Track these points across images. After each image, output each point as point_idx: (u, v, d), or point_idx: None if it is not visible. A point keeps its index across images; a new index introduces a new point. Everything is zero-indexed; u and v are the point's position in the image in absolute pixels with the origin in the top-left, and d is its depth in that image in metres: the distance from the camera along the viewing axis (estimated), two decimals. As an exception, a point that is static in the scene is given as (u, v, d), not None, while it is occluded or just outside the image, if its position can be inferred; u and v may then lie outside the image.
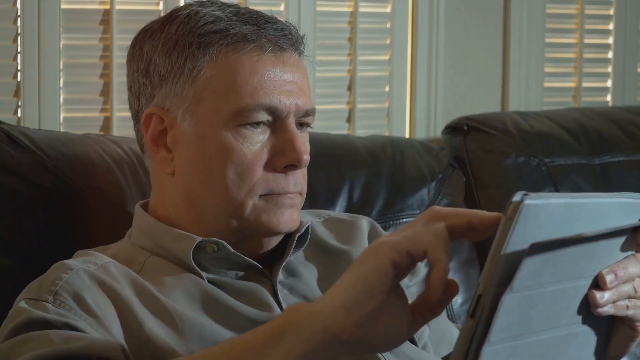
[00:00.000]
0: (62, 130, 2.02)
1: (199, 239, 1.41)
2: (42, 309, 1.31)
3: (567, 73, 2.70)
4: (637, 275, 1.09)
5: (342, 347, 1.03)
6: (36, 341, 1.26)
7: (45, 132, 1.77)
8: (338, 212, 1.88)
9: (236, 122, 1.40)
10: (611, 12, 2.73)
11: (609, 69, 2.74)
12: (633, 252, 1.09)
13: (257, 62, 1.42)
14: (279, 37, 1.43)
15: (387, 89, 2.42)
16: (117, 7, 2.07)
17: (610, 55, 2.74)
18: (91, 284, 1.35)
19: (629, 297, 1.09)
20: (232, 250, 1.41)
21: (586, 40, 2.70)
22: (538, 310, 1.00)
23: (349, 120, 2.39)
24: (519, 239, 0.96)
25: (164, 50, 1.44)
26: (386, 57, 2.42)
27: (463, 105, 2.50)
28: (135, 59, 1.48)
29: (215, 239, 1.41)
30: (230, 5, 1.47)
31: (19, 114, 2.00)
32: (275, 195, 1.42)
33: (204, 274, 1.41)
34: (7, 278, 1.58)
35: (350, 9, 2.37)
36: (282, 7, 2.26)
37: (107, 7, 2.07)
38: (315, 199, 1.89)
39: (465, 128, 2.25)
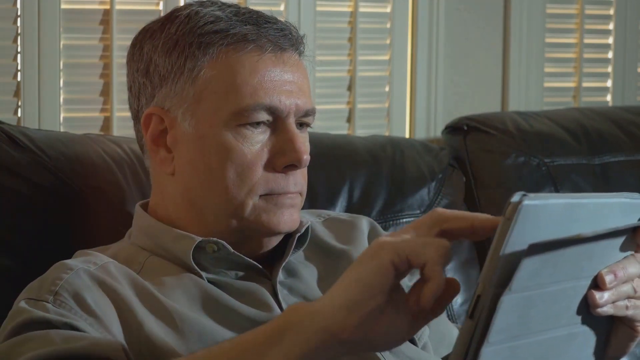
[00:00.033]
0: (62, 130, 2.02)
1: (199, 239, 1.41)
2: (43, 309, 1.31)
3: (567, 73, 2.70)
4: (637, 275, 1.09)
5: (343, 347, 1.03)
6: (37, 341, 1.26)
7: (45, 132, 1.77)
8: (338, 212, 1.88)
9: (236, 122, 1.40)
10: (611, 12, 2.73)
11: (609, 69, 2.74)
12: (632, 252, 1.09)
13: (257, 62, 1.42)
14: (279, 37, 1.43)
15: (387, 89, 2.42)
16: (117, 7, 2.07)
17: (610, 55, 2.74)
18: (91, 284, 1.35)
19: (629, 297, 1.09)
20: (232, 250, 1.41)
21: (586, 40, 2.70)
22: (537, 310, 1.00)
23: (349, 120, 2.39)
24: (517, 240, 0.96)
25: (164, 50, 1.44)
26: (386, 57, 2.42)
27: (463, 105, 2.50)
28: (135, 59, 1.48)
29: (215, 239, 1.41)
30: (230, 5, 1.47)
31: (19, 114, 2.01)
32: (275, 195, 1.42)
33: (203, 274, 1.41)
34: (7, 278, 1.58)
35: (350, 9, 2.37)
36: (282, 7, 2.26)
37: (107, 7, 2.07)
38: (315, 199, 1.89)
39: (465, 128, 2.25)
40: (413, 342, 1.49)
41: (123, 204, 1.68)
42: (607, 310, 1.07)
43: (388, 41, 2.42)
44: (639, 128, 2.36)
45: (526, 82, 2.60)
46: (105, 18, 2.07)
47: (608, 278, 1.05)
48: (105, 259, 1.41)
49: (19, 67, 2.00)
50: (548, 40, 2.65)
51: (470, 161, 2.21)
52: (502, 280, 0.96)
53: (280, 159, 1.42)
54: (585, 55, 2.70)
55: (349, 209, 1.95)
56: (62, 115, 2.04)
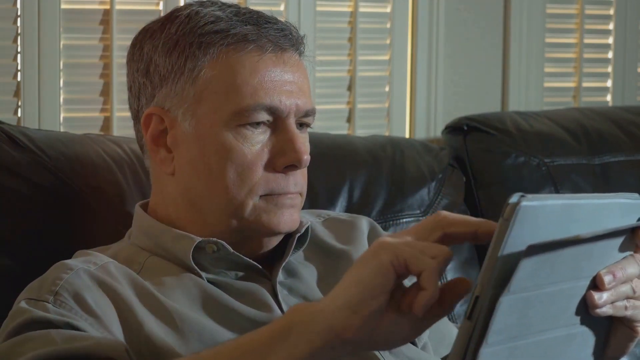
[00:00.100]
0: (62, 130, 2.02)
1: (199, 239, 1.41)
2: (43, 309, 1.31)
3: (567, 73, 2.70)
4: (636, 275, 1.09)
5: (346, 347, 1.03)
6: (38, 341, 1.26)
7: (45, 132, 1.77)
8: (338, 212, 1.88)
9: (236, 122, 1.40)
10: (611, 12, 2.73)
11: (609, 69, 2.74)
12: (631, 253, 1.09)
13: (257, 62, 1.42)
14: (280, 37, 1.43)
15: (387, 89, 2.42)
16: (117, 7, 2.07)
17: (610, 55, 2.74)
18: (91, 283, 1.35)
19: (628, 298, 1.09)
20: (232, 250, 1.41)
21: (586, 40, 2.70)
22: (536, 311, 1.00)
23: (349, 120, 2.39)
24: (516, 241, 0.96)
25: (164, 50, 1.44)
26: (386, 57, 2.42)
27: (463, 105, 2.50)
28: (135, 59, 1.48)
29: (214, 239, 1.41)
30: (230, 5, 1.47)
31: (19, 114, 2.01)
32: (275, 196, 1.42)
33: (203, 274, 1.41)
34: (7, 278, 1.58)
35: (350, 9, 2.37)
36: (282, 7, 2.26)
37: (107, 7, 2.07)
38: (315, 199, 1.89)
39: (465, 128, 2.25)
40: (413, 342, 1.49)
41: (123, 204, 1.68)
42: (606, 310, 1.07)
43: (388, 41, 2.42)
44: (639, 128, 2.36)
45: (526, 82, 2.60)
46: (105, 18, 2.07)
47: (607, 278, 1.05)
48: (105, 259, 1.41)
49: (19, 67, 2.00)
50: (548, 40, 2.65)
51: (470, 161, 2.21)
52: (501, 281, 0.96)
53: (281, 159, 1.42)
54: (585, 55, 2.70)
55: (349, 209, 1.95)
56: (62, 115, 2.04)
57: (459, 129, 2.26)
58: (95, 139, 1.77)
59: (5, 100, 2.00)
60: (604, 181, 2.25)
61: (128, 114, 1.53)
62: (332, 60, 2.35)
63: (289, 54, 1.45)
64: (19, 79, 2.00)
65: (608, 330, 1.12)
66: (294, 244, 1.47)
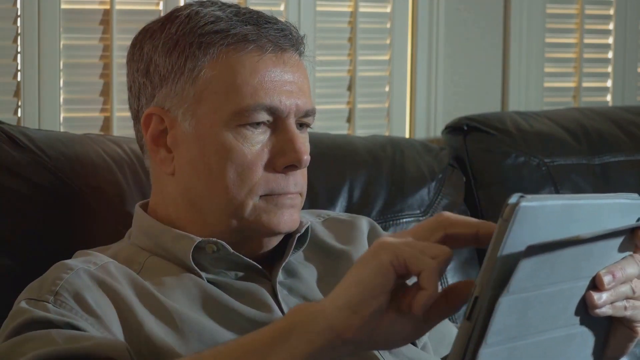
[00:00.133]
0: (62, 130, 2.02)
1: (198, 239, 1.41)
2: (43, 309, 1.31)
3: (567, 73, 2.70)
4: (635, 276, 1.09)
5: (347, 347, 1.03)
6: (38, 340, 1.26)
7: (45, 132, 1.77)
8: (338, 212, 1.88)
9: (236, 122, 1.40)
10: (611, 12, 2.73)
11: (609, 69, 2.74)
12: (631, 253, 1.09)
13: (257, 62, 1.42)
14: (280, 37, 1.43)
15: (387, 89, 2.43)
16: (117, 7, 2.07)
17: (610, 55, 2.74)
18: (91, 283, 1.35)
19: (627, 298, 1.09)
20: (232, 250, 1.41)
21: (586, 40, 2.70)
22: (535, 311, 1.00)
23: (349, 120, 2.39)
24: (515, 241, 0.96)
25: (164, 50, 1.44)
26: (386, 57, 2.42)
27: (463, 105, 2.51)
28: (135, 59, 1.48)
29: (214, 239, 1.41)
30: (230, 6, 1.47)
31: (19, 114, 2.01)
32: (275, 196, 1.42)
33: (203, 274, 1.41)
34: (7, 278, 1.58)
35: (350, 9, 2.37)
36: (282, 7, 2.26)
37: (107, 7, 2.07)
38: (315, 199, 1.89)
39: (465, 128, 2.25)
40: (413, 342, 1.49)
41: (123, 204, 1.68)
42: (605, 311, 1.07)
43: (388, 41, 2.42)
44: (639, 128, 2.36)
45: (526, 82, 2.60)
46: (105, 18, 2.07)
47: (606, 279, 1.05)
48: (105, 259, 1.41)
49: (19, 67, 2.00)
50: (548, 40, 2.65)
51: (470, 161, 2.21)
52: (500, 282, 0.96)
53: (281, 159, 1.42)
54: (585, 55, 2.70)
55: (349, 209, 1.95)
56: (62, 115, 2.04)
57: (459, 129, 2.26)
58: (95, 139, 1.77)
59: (5, 100, 2.00)
60: (604, 181, 2.25)
61: (128, 114, 1.53)
62: (332, 60, 2.35)
63: (289, 54, 1.45)
64: (19, 79, 2.00)
65: (607, 331, 1.12)
66: (294, 244, 1.47)
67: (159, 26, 1.47)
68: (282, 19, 1.49)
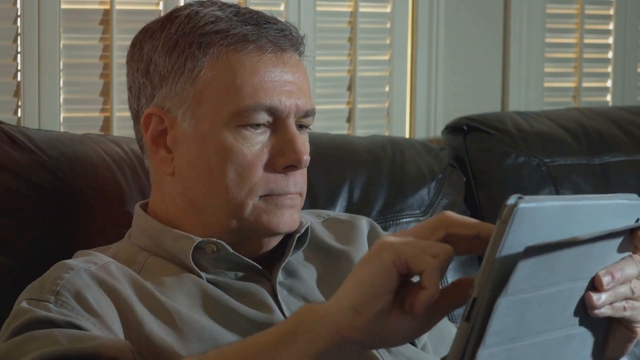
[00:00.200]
0: (62, 130, 2.02)
1: (198, 239, 1.41)
2: (44, 309, 1.31)
3: (567, 73, 2.70)
4: (634, 276, 1.09)
5: (354, 347, 1.04)
6: (41, 340, 1.26)
7: (45, 132, 1.77)
8: (338, 212, 1.88)
9: (236, 122, 1.40)
10: (611, 12, 2.73)
11: (609, 69, 2.74)
12: (630, 254, 1.09)
13: (257, 62, 1.42)
14: (280, 37, 1.43)
15: (387, 89, 2.43)
16: (117, 7, 2.07)
17: (610, 55, 2.74)
18: (92, 283, 1.35)
19: (626, 299, 1.09)
20: (232, 250, 1.41)
21: (586, 40, 2.70)
22: (534, 312, 1.00)
23: (349, 120, 2.39)
24: (513, 242, 0.96)
25: (164, 50, 1.44)
26: (386, 57, 2.42)
27: (463, 105, 2.51)
28: (135, 59, 1.48)
29: (214, 239, 1.41)
30: (230, 6, 1.47)
31: (19, 114, 2.01)
32: (275, 196, 1.42)
33: (203, 274, 1.41)
34: (7, 278, 1.58)
35: (350, 9, 2.37)
36: (282, 7, 2.26)
37: (107, 7, 2.07)
38: (315, 199, 1.89)
39: (465, 128, 2.25)
40: (412, 342, 1.49)
41: (123, 204, 1.68)
42: (604, 311, 1.07)
43: (388, 41, 2.42)
44: (639, 128, 2.36)
45: (526, 82, 2.60)
46: (105, 18, 2.07)
47: (605, 279, 1.05)
48: (105, 259, 1.41)
49: (19, 67, 2.00)
50: (548, 40, 2.65)
51: (470, 161, 2.21)
52: (498, 283, 0.96)
53: (280, 160, 1.42)
54: (585, 55, 2.70)
55: (349, 209, 1.95)
56: (62, 115, 2.04)
57: (459, 129, 2.26)
58: (95, 139, 1.77)
59: (5, 100, 2.00)
60: (604, 181, 2.25)
61: (128, 114, 1.53)
62: (332, 60, 2.35)
63: (289, 54, 1.45)
64: (19, 79, 2.00)
65: (607, 331, 1.12)
66: (294, 244, 1.47)
67: (159, 26, 1.47)
68: (282, 19, 1.49)
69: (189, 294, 1.38)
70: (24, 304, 1.33)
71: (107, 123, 2.08)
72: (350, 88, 2.38)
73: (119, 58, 2.05)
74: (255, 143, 1.41)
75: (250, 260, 1.42)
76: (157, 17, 1.51)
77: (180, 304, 1.36)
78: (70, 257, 1.45)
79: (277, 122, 1.42)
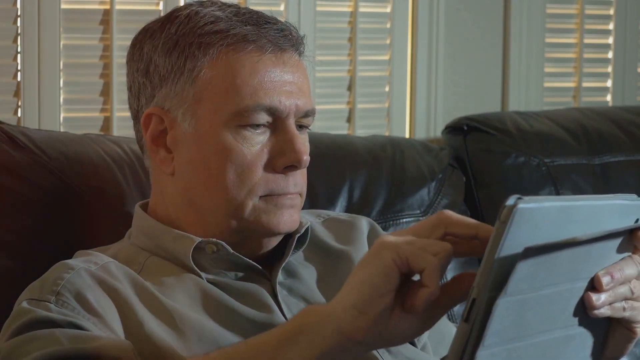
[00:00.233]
0: (62, 130, 2.02)
1: (198, 239, 1.41)
2: (45, 309, 1.31)
3: (567, 73, 2.70)
4: (634, 276, 1.09)
5: (358, 347, 1.04)
6: (42, 340, 1.26)
7: (45, 132, 1.77)
8: (338, 212, 1.88)
9: (236, 122, 1.40)
10: (611, 12, 2.73)
11: (609, 69, 2.74)
12: (630, 254, 1.09)
13: (257, 62, 1.42)
14: (279, 37, 1.43)
15: (387, 89, 2.43)
16: (117, 7, 2.07)
17: (610, 55, 2.74)
18: (92, 283, 1.35)
19: (626, 299, 1.09)
20: (232, 250, 1.41)
21: (586, 40, 2.70)
22: (533, 313, 1.01)
23: (349, 120, 2.39)
24: (513, 243, 0.96)
25: (164, 50, 1.44)
26: (386, 57, 2.42)
27: (463, 105, 2.51)
28: (135, 59, 1.48)
29: (214, 239, 1.41)
30: (230, 6, 1.47)
31: (19, 114, 2.01)
32: (275, 196, 1.42)
33: (203, 274, 1.41)
34: (7, 278, 1.58)
35: (350, 9, 2.37)
36: (282, 7, 2.26)
37: (107, 7, 2.07)
38: (315, 199, 1.89)
39: (465, 128, 2.25)
40: (412, 342, 1.49)
41: (123, 204, 1.68)
42: (604, 312, 1.07)
43: (388, 41, 2.42)
44: (639, 128, 2.36)
45: (526, 82, 2.60)
46: (105, 18, 2.07)
47: (605, 280, 1.06)
48: (105, 259, 1.41)
49: (19, 67, 2.00)
50: (548, 40, 2.65)
51: (470, 161, 2.21)
52: (498, 284, 0.96)
53: (280, 160, 1.41)
54: (585, 55, 2.70)
55: (349, 209, 1.95)
56: (62, 115, 2.04)
57: (459, 129, 2.26)
58: (95, 139, 1.77)
59: (5, 100, 2.00)
60: (604, 181, 2.25)
61: (128, 114, 1.53)
62: (332, 60, 2.36)
63: (289, 54, 1.45)
64: (19, 79, 2.01)
65: (606, 331, 1.13)
66: (294, 244, 1.47)
67: (159, 26, 1.47)
68: (282, 19, 1.49)
69: (189, 294, 1.38)
70: (25, 304, 1.33)
71: (107, 123, 2.09)
72: (350, 88, 2.38)
73: (119, 58, 2.05)
74: (255, 143, 1.41)
75: (250, 261, 1.42)
76: (157, 17, 1.51)
77: (180, 304, 1.36)
78: (70, 257, 1.45)
79: (277, 122, 1.42)
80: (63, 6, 2.03)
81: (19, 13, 1.99)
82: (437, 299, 1.02)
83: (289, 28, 1.46)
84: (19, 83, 2.00)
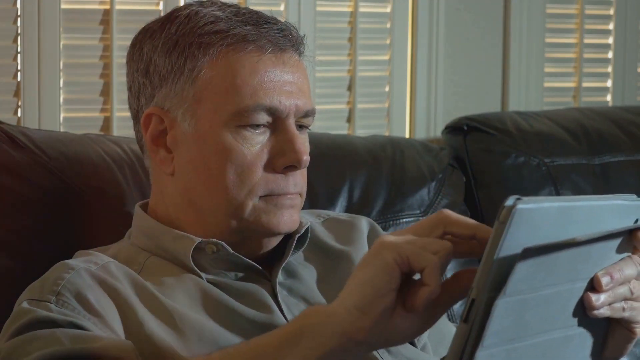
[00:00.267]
0: (62, 130, 2.02)
1: (198, 239, 1.41)
2: (46, 309, 1.31)
3: (567, 73, 2.70)
4: (633, 277, 1.09)
5: (360, 348, 1.04)
6: (44, 340, 1.26)
7: (45, 132, 1.77)
8: (338, 212, 1.88)
9: (236, 122, 1.40)
10: (611, 12, 2.73)
11: (609, 69, 2.74)
12: (629, 254, 1.09)
13: (257, 62, 1.41)
14: (279, 37, 1.43)
15: (387, 89, 2.43)
16: (117, 7, 2.07)
17: (610, 55, 2.74)
18: (93, 283, 1.35)
19: (625, 299, 1.09)
20: (232, 251, 1.41)
21: (586, 40, 2.70)
22: (532, 313, 1.01)
23: (349, 120, 2.39)
24: (512, 244, 0.96)
25: (164, 50, 1.44)
26: (386, 57, 2.42)
27: (463, 105, 2.51)
28: (135, 59, 1.48)
29: (214, 239, 1.41)
30: (230, 6, 1.47)
31: (19, 114, 2.01)
32: (275, 196, 1.42)
33: (203, 274, 1.41)
34: (7, 278, 1.58)
35: (350, 9, 2.37)
36: (282, 7, 2.26)
37: (107, 7, 2.07)
38: (315, 199, 1.89)
39: (465, 128, 2.25)
40: (412, 342, 1.49)
41: (123, 204, 1.68)
42: (603, 312, 1.07)
43: (388, 41, 2.42)
44: (639, 128, 2.36)
45: (526, 82, 2.60)
46: (105, 18, 2.07)
47: (604, 280, 1.06)
48: (106, 259, 1.41)
49: (19, 67, 2.01)
50: (548, 40, 2.65)
51: (470, 161, 2.21)
52: (497, 284, 0.97)
53: (280, 160, 1.41)
54: (585, 55, 2.70)
55: (349, 209, 1.95)
56: (62, 115, 2.05)
57: (459, 129, 2.26)
58: (95, 139, 1.77)
59: (5, 100, 2.00)
60: (604, 181, 2.25)
61: (128, 114, 1.53)
62: (332, 60, 2.36)
63: (289, 54, 1.45)
64: (19, 79, 2.01)
65: (606, 332, 1.13)
66: (294, 244, 1.47)
67: (159, 26, 1.47)
68: (282, 19, 1.49)
69: (189, 294, 1.38)
70: (25, 305, 1.33)
71: (107, 123, 2.09)
72: (350, 88, 2.38)
73: (119, 58, 2.05)
74: (255, 143, 1.41)
75: (250, 261, 1.42)
76: (157, 17, 1.51)
77: (180, 304, 1.36)
78: (70, 257, 1.45)
79: (276, 122, 1.42)
80: (63, 6, 2.03)
81: (19, 13, 1.99)
82: (438, 297, 1.02)
83: (289, 28, 1.46)
84: (19, 83, 2.00)
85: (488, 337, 0.97)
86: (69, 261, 1.40)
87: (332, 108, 2.37)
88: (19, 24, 1.99)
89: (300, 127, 1.46)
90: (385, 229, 1.93)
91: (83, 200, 1.66)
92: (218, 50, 1.41)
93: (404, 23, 2.43)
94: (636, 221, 1.08)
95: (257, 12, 1.47)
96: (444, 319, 1.64)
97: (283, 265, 1.45)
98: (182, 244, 1.42)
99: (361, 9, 2.37)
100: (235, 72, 1.41)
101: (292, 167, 1.42)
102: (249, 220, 1.41)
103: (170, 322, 1.34)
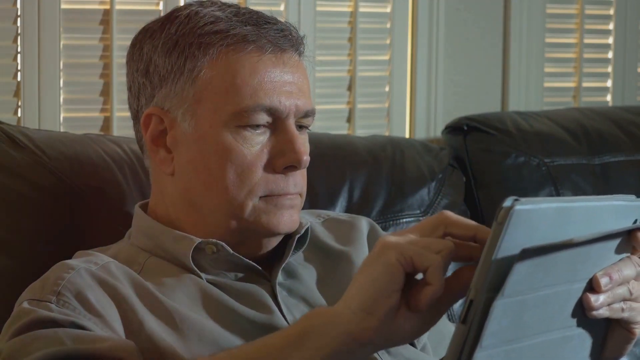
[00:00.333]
0: (62, 130, 2.02)
1: (198, 240, 1.41)
2: (46, 309, 1.31)
3: (567, 73, 2.70)
4: (632, 277, 1.09)
5: (364, 349, 1.05)
6: (45, 340, 1.26)
7: (45, 132, 1.77)
8: (338, 212, 1.88)
9: (236, 122, 1.40)
10: (611, 12, 2.73)
11: (609, 69, 2.74)
12: (628, 255, 1.09)
13: (257, 62, 1.42)
14: (279, 37, 1.43)
15: (387, 89, 2.43)
16: (117, 7, 2.07)
17: (610, 55, 2.74)
18: (93, 283, 1.35)
19: (624, 300, 1.09)
20: (231, 251, 1.41)
21: (586, 40, 2.70)
22: (531, 314, 1.01)
23: (349, 120, 2.39)
24: (510, 244, 0.96)
25: (163, 50, 1.44)
26: (386, 57, 2.42)
27: (463, 105, 2.51)
28: (135, 59, 1.48)
29: (214, 240, 1.41)
30: (230, 6, 1.47)
31: (19, 114, 2.01)
32: (275, 197, 1.42)
33: (203, 275, 1.41)
34: (7, 278, 1.59)
35: (350, 9, 2.37)
36: (282, 7, 2.26)
37: (107, 7, 2.07)
38: (315, 199, 1.89)
39: (465, 128, 2.25)
40: (412, 343, 1.49)
41: (123, 204, 1.68)
42: (602, 312, 1.07)
43: (388, 41, 2.42)
44: (639, 128, 2.36)
45: (526, 82, 2.60)
46: (105, 18, 2.07)
47: (603, 281, 1.06)
48: (106, 259, 1.41)
49: (19, 67, 2.01)
50: (548, 40, 2.65)
51: (470, 161, 2.21)
52: (495, 285, 0.97)
53: (280, 160, 1.41)
54: (585, 55, 2.70)
55: (349, 209, 1.95)
56: (62, 115, 2.05)
57: (459, 129, 2.26)
58: (95, 139, 1.77)
59: (5, 100, 2.00)
60: (604, 181, 2.25)
61: (128, 114, 1.53)
62: (332, 60, 2.36)
63: (289, 54, 1.45)
64: (19, 79, 2.01)
65: (605, 332, 1.13)
66: (294, 244, 1.47)
67: (159, 26, 1.47)
68: (282, 19, 1.49)
69: (189, 295, 1.38)
70: (25, 305, 1.33)
71: (107, 123, 2.09)
72: (350, 88, 2.38)
73: (119, 58, 2.05)
74: (255, 143, 1.41)
75: (250, 261, 1.42)
76: (157, 17, 1.51)
77: (180, 304, 1.36)
78: (70, 257, 1.45)
79: (276, 122, 1.42)
80: (63, 6, 2.03)
81: (19, 13, 1.99)
82: (440, 296, 1.03)
83: (288, 28, 1.46)
84: (19, 83, 2.00)
85: (486, 337, 0.97)
86: (69, 261, 1.40)
87: (332, 108, 2.37)
88: (19, 24, 1.99)
89: (300, 127, 1.46)
90: (385, 229, 1.93)
91: (83, 200, 1.66)
92: (218, 51, 1.41)
93: (404, 23, 2.43)
94: (635, 222, 1.08)
95: (257, 12, 1.47)
96: (443, 319, 1.63)
97: (283, 265, 1.45)
98: (182, 244, 1.42)
99: (361, 9, 2.37)
100: (235, 72, 1.41)
101: (292, 167, 1.42)
102: (249, 220, 1.41)
103: (171, 322, 1.34)
